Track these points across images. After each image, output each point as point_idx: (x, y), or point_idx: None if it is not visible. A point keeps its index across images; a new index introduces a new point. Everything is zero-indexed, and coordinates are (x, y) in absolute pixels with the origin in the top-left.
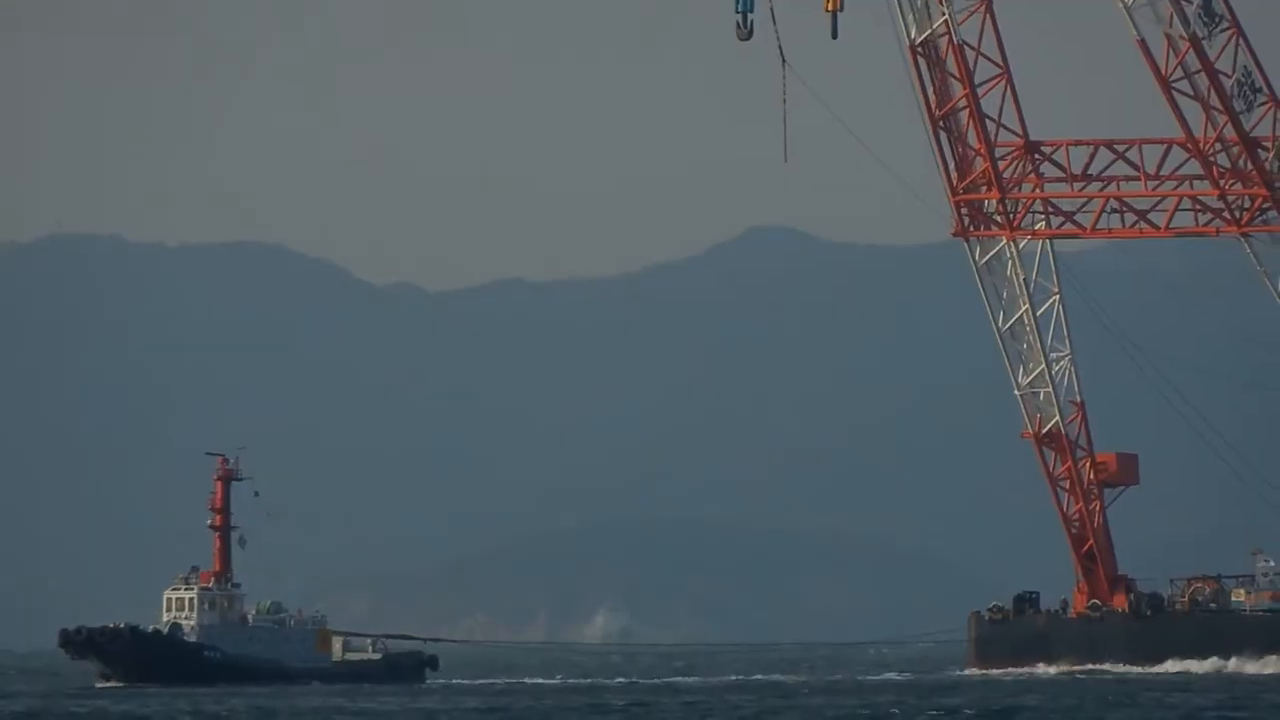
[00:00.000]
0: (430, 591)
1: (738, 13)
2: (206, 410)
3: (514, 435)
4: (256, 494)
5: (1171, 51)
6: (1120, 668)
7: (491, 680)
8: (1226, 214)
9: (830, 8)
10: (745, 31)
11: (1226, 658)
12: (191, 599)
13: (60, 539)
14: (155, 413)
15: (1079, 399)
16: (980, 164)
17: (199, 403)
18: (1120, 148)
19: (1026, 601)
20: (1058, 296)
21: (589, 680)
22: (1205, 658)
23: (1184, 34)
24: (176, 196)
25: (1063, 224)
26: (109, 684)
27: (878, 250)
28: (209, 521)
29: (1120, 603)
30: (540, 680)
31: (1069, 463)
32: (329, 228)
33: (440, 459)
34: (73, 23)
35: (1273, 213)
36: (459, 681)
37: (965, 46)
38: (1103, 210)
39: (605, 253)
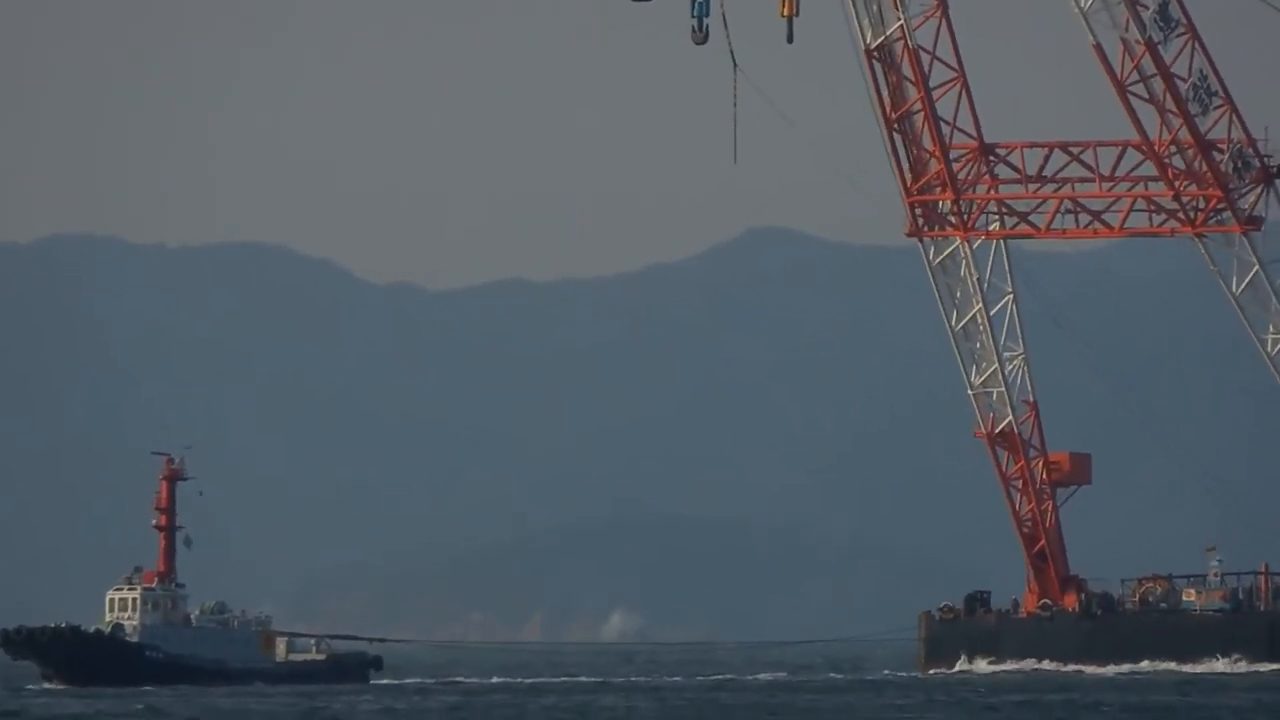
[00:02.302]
0: (429, 591)
1: (693, 17)
2: (208, 411)
3: (512, 435)
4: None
5: (1127, 56)
6: (1069, 668)
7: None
8: (1181, 215)
9: (785, 13)
10: (700, 35)
11: (1177, 658)
12: (134, 599)
13: (56, 548)
14: (155, 414)
15: (1032, 399)
16: (935, 166)
17: (200, 403)
18: (1075, 150)
19: (978, 601)
20: (1011, 296)
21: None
22: (1156, 658)
23: (1140, 38)
24: (176, 197)
25: (1017, 224)
26: (50, 685)
27: (874, 250)
28: (153, 522)
29: (1071, 603)
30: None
31: (1022, 462)
32: (330, 228)
33: (437, 458)
34: (71, 23)
35: (1227, 213)
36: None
37: (920, 50)
38: (1057, 211)
39: (603, 252)
